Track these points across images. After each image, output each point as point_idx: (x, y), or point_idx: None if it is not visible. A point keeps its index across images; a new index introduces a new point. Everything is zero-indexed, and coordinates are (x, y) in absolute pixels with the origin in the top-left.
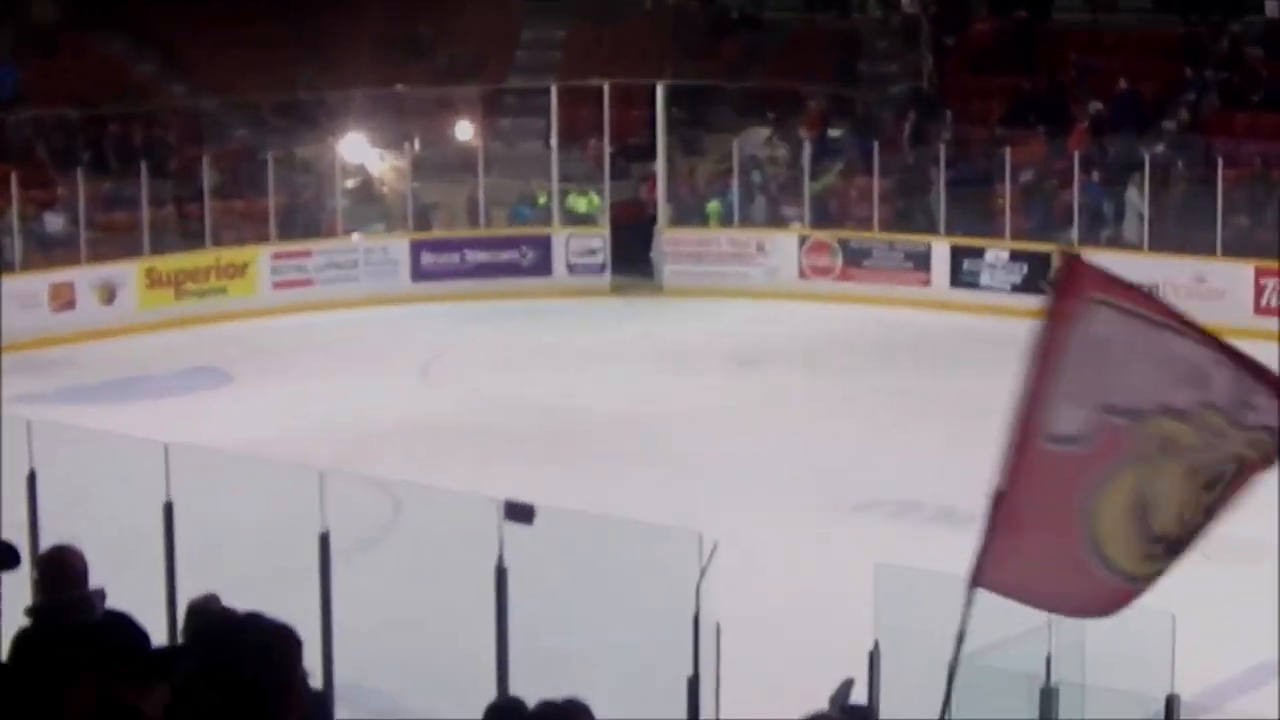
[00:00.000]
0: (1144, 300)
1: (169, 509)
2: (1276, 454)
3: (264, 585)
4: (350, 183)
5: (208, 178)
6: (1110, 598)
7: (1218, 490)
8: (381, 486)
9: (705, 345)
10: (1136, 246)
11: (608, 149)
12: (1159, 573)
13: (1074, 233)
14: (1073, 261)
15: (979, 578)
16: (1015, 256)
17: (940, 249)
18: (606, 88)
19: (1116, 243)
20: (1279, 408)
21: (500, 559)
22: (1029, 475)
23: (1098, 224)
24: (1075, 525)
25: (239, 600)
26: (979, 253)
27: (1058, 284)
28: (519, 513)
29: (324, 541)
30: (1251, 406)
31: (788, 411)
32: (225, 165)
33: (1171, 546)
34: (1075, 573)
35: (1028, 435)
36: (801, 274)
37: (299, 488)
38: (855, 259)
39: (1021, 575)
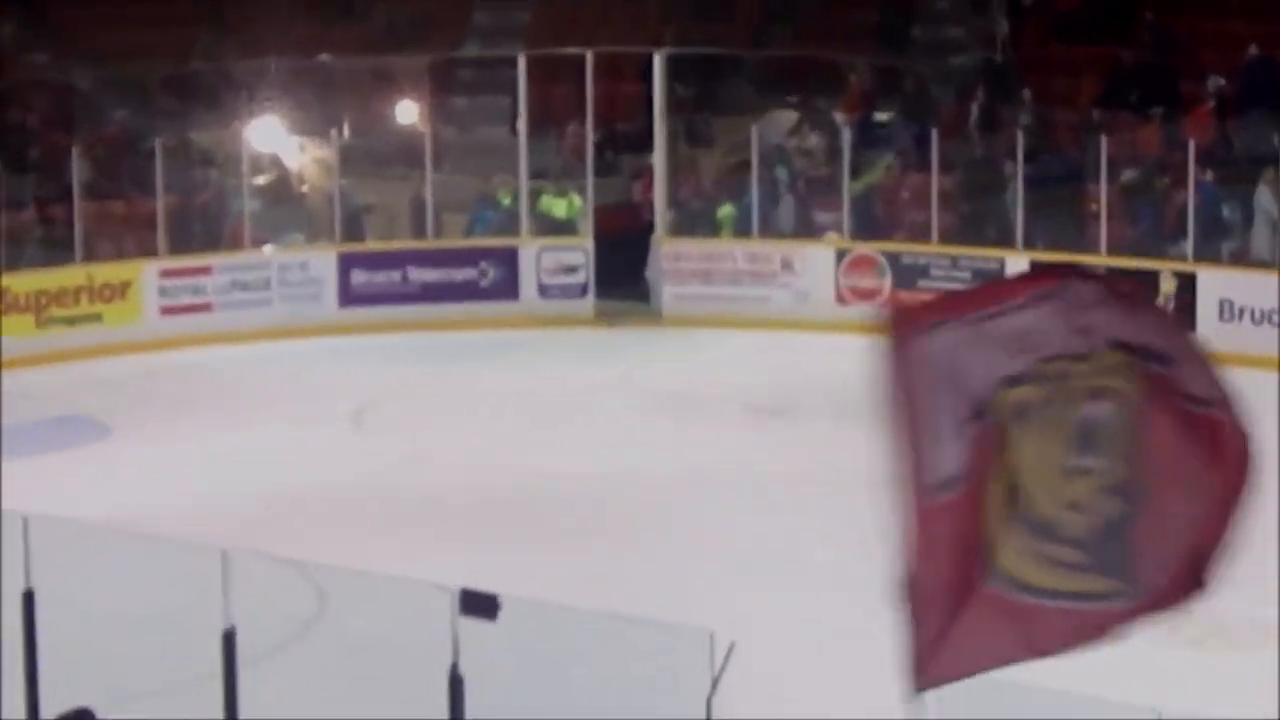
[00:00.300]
0: (969, 299)
1: (29, 598)
2: (1155, 367)
3: (152, 695)
4: (261, 179)
5: (78, 172)
6: (1058, 625)
7: (1107, 451)
8: (302, 571)
9: (715, 390)
10: (1268, 263)
11: (591, 137)
12: (1099, 591)
13: (1188, 245)
14: (893, 310)
15: (920, 679)
16: (1114, 275)
17: (1017, 266)
18: (590, 58)
19: (1242, 258)
20: (1107, 295)
21: (455, 664)
22: (930, 542)
23: (1219, 234)
24: (979, 564)
25: (121, 713)
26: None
27: (888, 333)
28: (478, 605)
29: (228, 640)
30: (1087, 330)
31: (819, 476)
32: (101, 156)
33: (1088, 544)
34: (1001, 613)
35: (917, 498)
36: (839, 298)
37: (196, 571)
38: (908, 279)
39: (961, 651)
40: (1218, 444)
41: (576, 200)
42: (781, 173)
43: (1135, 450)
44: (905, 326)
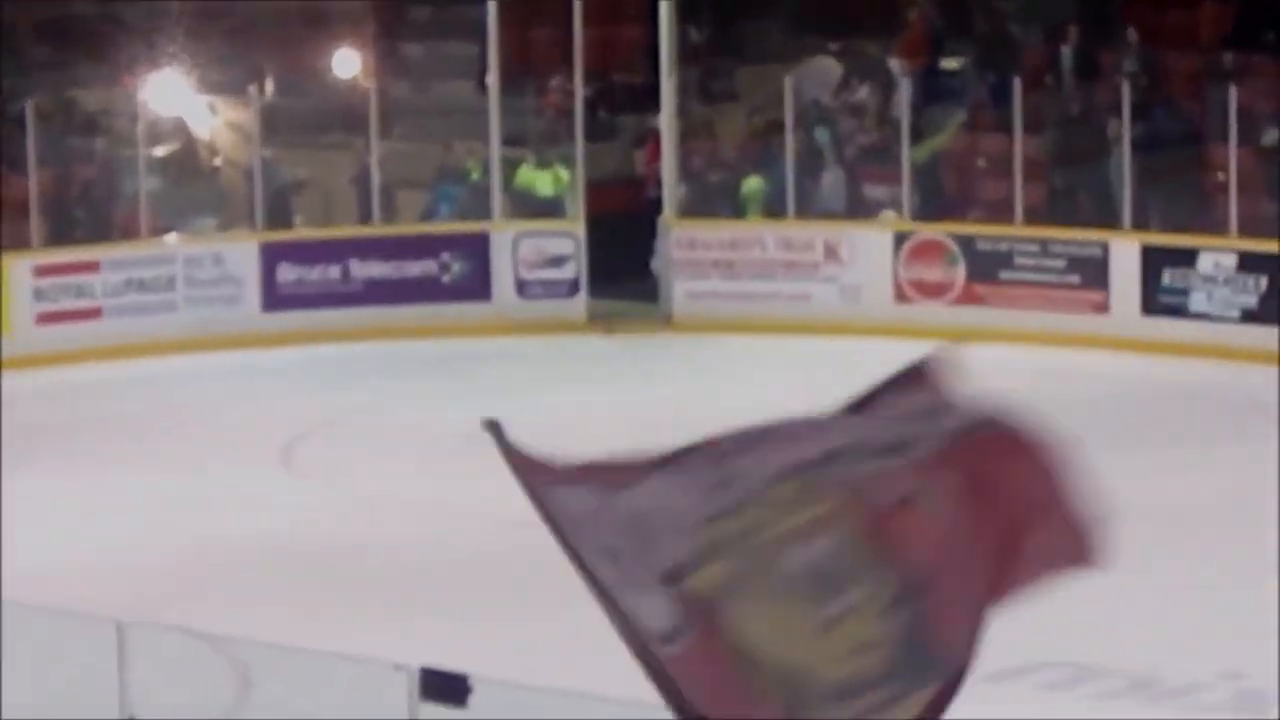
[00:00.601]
0: (569, 470)
1: None
2: (837, 471)
3: None
4: (162, 150)
5: None
6: None
7: (858, 577)
8: (220, 646)
9: (741, 415)
10: None
11: (581, 93)
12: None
13: None
14: (515, 458)
15: None
16: (1248, 263)
17: (1125, 252)
18: None
19: None
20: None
21: None
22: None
23: None
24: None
25: None
26: (1188, 257)
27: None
28: (444, 687)
29: None
30: (728, 482)
31: None
32: None
33: (895, 669)
34: None
35: (642, 646)
36: (899, 294)
37: (89, 648)
38: (986, 269)
39: None
40: (978, 473)
41: (563, 173)
42: (823, 136)
43: (885, 555)
44: (531, 476)
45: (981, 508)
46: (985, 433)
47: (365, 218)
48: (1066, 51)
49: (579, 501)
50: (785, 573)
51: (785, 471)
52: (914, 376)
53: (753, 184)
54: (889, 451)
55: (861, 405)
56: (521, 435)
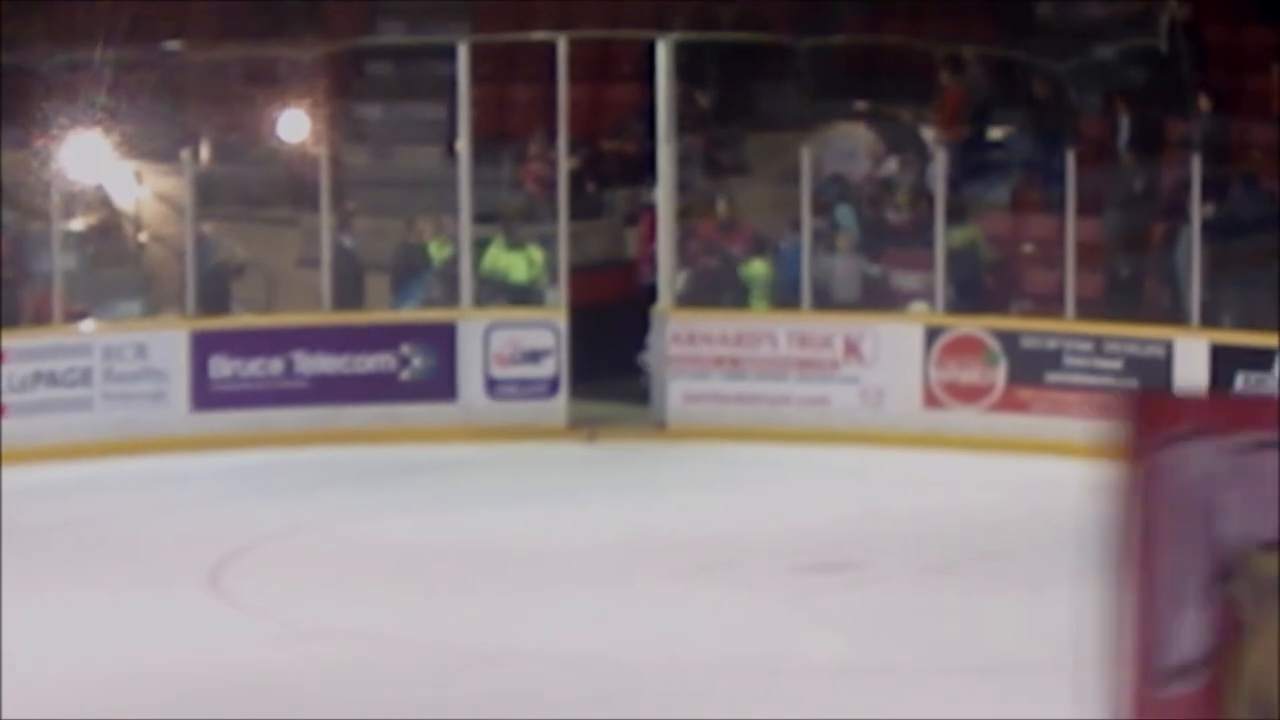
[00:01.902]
0: (1234, 408)
1: None
2: None
3: None
4: (79, 222)
5: None
6: None
7: None
8: None
9: (746, 539)
10: None
11: (565, 162)
12: None
13: None
14: (1131, 400)
15: None
16: None
17: (1192, 351)
18: (563, 46)
19: None
20: None
21: None
22: None
23: None
24: None
25: None
26: (1265, 359)
27: (1125, 434)
28: None
29: None
30: None
31: (897, 661)
32: None
33: None
34: None
35: (1138, 689)
36: (929, 399)
37: None
38: (1032, 370)
39: None
40: None
41: (537, 255)
42: (845, 215)
43: None
44: (1153, 428)
45: None
46: None
47: (314, 302)
48: (1128, 121)
49: (1210, 453)
50: None
51: None
52: None
53: (757, 268)
54: None
55: None
56: (486, 556)
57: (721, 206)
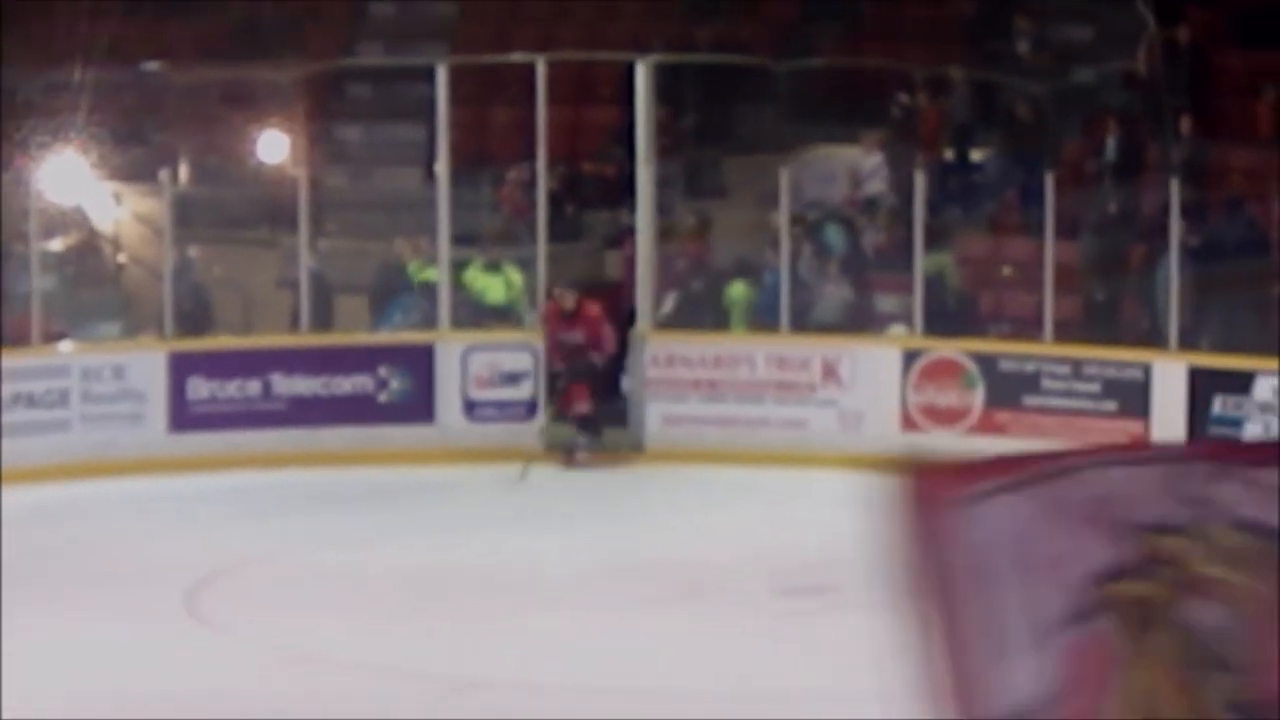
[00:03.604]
0: (1023, 460)
1: None
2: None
3: None
4: (57, 243)
5: None
6: None
7: (1226, 663)
8: None
9: (724, 562)
10: None
11: (544, 183)
12: None
13: None
14: (914, 470)
15: None
16: None
17: (1170, 375)
18: (541, 68)
19: None
20: (1236, 466)
21: None
22: None
23: None
24: None
25: None
26: (1243, 382)
27: (909, 505)
28: None
29: None
30: (1202, 501)
31: (886, 690)
32: None
33: None
34: None
35: None
36: (907, 421)
37: None
38: (1009, 393)
39: None
40: None
41: (515, 276)
42: (835, 237)
43: (1254, 664)
44: (935, 496)
45: None
46: None
47: (292, 325)
48: (1110, 143)
49: (1009, 505)
50: (1182, 618)
51: (1245, 522)
52: None
53: (738, 290)
54: None
55: None
56: (465, 581)
57: (691, 222)
